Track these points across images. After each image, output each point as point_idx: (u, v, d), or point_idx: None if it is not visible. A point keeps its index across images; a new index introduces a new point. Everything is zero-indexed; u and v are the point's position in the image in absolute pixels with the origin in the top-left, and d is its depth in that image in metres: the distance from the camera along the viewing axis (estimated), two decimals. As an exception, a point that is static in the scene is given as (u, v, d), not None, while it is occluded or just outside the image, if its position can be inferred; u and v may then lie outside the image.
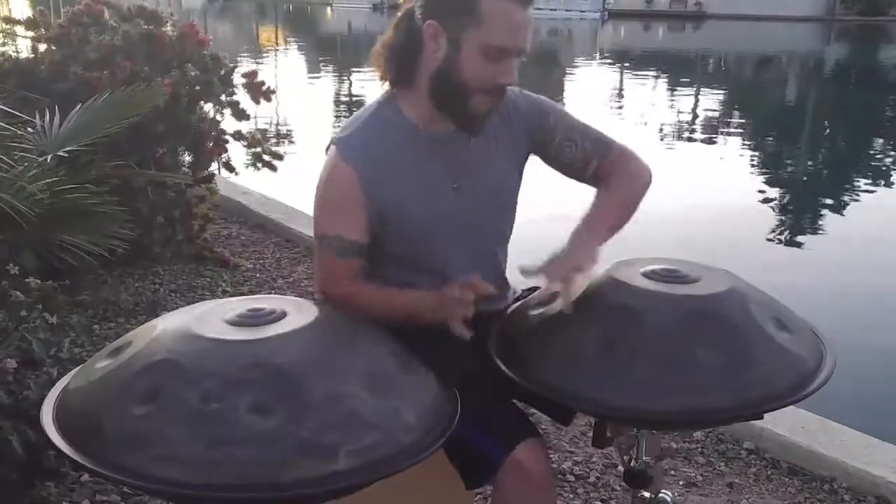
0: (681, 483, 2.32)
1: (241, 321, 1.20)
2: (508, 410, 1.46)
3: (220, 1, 45.83)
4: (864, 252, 5.59)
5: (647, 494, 1.48)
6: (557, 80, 15.76)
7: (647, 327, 1.29)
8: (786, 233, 6.23)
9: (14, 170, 2.15)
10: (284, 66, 17.73)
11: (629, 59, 21.36)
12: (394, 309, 1.47)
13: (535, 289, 1.60)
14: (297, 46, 24.59)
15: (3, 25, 4.31)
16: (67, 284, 2.45)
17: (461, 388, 1.27)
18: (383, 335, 1.31)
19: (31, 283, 2.10)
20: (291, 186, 5.24)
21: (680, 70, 19.63)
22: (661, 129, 10.33)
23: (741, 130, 11.12)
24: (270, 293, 3.52)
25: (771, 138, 10.65)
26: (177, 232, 3.87)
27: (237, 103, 3.83)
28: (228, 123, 3.89)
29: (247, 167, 4.04)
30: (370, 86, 12.16)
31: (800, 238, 6.21)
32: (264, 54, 19.81)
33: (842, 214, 6.83)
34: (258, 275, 3.87)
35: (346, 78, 15.94)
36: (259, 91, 3.83)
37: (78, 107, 2.93)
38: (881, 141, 10.39)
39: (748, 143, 10.11)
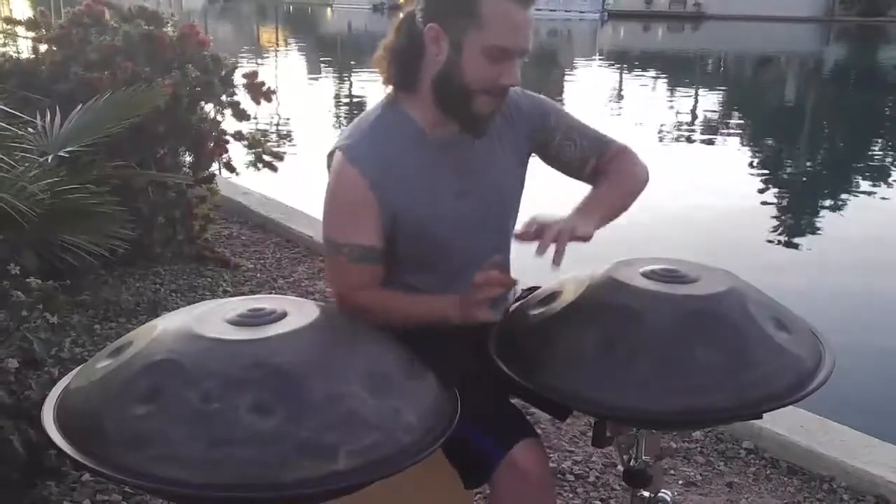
0: (680, 482, 2.32)
1: (242, 321, 1.20)
2: (508, 410, 1.46)
3: (220, 2, 45.85)
4: (863, 252, 5.59)
5: (646, 494, 1.48)
6: (557, 80, 15.77)
7: (646, 327, 1.29)
8: (785, 233, 6.24)
9: (15, 170, 2.16)
10: (285, 67, 17.74)
11: (629, 60, 21.35)
12: (415, 315, 1.46)
13: (534, 289, 1.61)
14: (297, 47, 24.59)
15: (4, 26, 4.32)
16: (68, 284, 2.45)
17: (461, 387, 1.28)
18: (383, 335, 1.32)
19: (32, 283, 2.10)
20: (292, 187, 5.26)
21: (679, 70, 19.63)
22: (660, 130, 10.32)
23: (740, 131, 11.12)
24: (271, 293, 3.52)
25: (770, 139, 10.64)
26: (177, 232, 3.87)
27: (238, 104, 3.84)
28: (229, 124, 3.90)
29: (247, 167, 4.05)
30: (370, 86, 12.17)
31: (799, 238, 6.21)
32: (265, 55, 19.82)
33: (841, 214, 6.83)
34: (259, 275, 3.87)
35: (346, 78, 15.95)
36: (259, 91, 3.84)
37: (79, 107, 2.94)
38: (881, 141, 10.39)
39: (747, 143, 10.12)
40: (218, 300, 1.35)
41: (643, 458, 1.45)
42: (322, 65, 18.56)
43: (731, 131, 11.05)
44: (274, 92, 3.91)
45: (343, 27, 33.17)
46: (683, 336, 1.28)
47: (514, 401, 1.51)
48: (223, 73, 3.79)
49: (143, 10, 3.85)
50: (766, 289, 1.42)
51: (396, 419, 1.13)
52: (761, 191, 7.42)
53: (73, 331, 2.37)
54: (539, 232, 1.34)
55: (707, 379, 1.24)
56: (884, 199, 7.17)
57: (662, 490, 1.49)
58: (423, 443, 1.13)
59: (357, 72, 15.69)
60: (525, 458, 1.36)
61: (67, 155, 2.65)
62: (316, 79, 15.95)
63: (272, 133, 8.82)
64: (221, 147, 3.88)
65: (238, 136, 3.89)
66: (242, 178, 4.48)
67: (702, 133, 10.50)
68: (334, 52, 22.53)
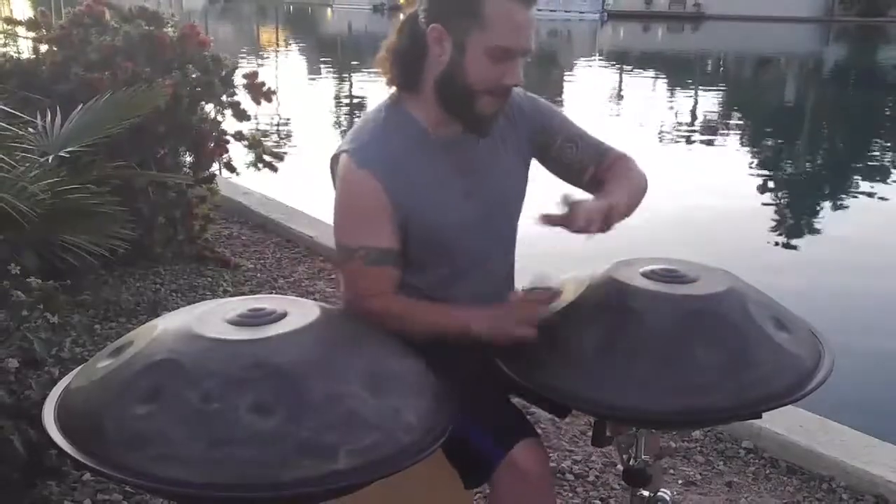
0: (680, 482, 2.33)
1: (242, 321, 1.20)
2: (508, 410, 1.47)
3: (220, 2, 45.85)
4: (863, 252, 5.59)
5: (645, 493, 1.48)
6: (557, 80, 15.77)
7: (646, 327, 1.30)
8: (785, 233, 6.24)
9: (16, 170, 2.16)
10: (285, 67, 17.74)
11: (628, 60, 21.35)
12: (433, 324, 1.43)
13: (534, 289, 1.61)
14: (297, 47, 24.59)
15: (5, 26, 4.32)
16: (69, 284, 2.46)
17: (461, 387, 1.28)
18: (383, 335, 1.32)
19: (32, 283, 2.11)
20: (292, 187, 5.26)
21: (679, 71, 19.63)
22: (660, 130, 10.33)
23: (740, 131, 11.12)
24: (271, 293, 3.53)
25: (770, 139, 10.65)
26: (178, 232, 3.87)
27: (238, 104, 3.84)
28: (229, 124, 3.91)
29: (247, 167, 4.05)
30: (370, 86, 12.18)
31: (799, 238, 6.21)
32: (265, 55, 19.82)
33: (840, 215, 6.84)
34: (259, 275, 3.88)
35: (346, 79, 15.95)
36: (260, 92, 3.84)
37: (79, 107, 2.94)
38: (880, 141, 10.39)
39: (747, 143, 10.12)
40: (218, 300, 1.36)
41: (643, 457, 1.46)
42: (322, 65, 18.56)
43: (731, 132, 11.06)
44: (274, 92, 3.91)
45: (343, 28, 33.16)
46: (683, 336, 1.28)
47: (514, 400, 1.51)
48: (223, 73, 3.79)
49: (144, 10, 3.85)
50: (765, 289, 1.42)
51: (396, 419, 1.13)
52: (761, 191, 7.42)
53: (73, 331, 2.37)
54: (582, 212, 1.35)
55: (707, 379, 1.24)
56: (883, 199, 7.17)
57: (662, 489, 1.49)
58: (423, 443, 1.13)
59: (357, 72, 15.69)
60: (525, 458, 1.36)
61: (68, 155, 2.65)
62: (316, 79, 15.95)
63: (272, 133, 8.82)
64: (222, 147, 3.88)
65: (238, 136, 3.89)
66: (243, 178, 4.48)
67: (702, 133, 10.50)
68: (334, 53, 22.53)
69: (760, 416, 1.35)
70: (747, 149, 9.78)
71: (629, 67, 19.86)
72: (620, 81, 17.29)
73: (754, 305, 1.33)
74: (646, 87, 15.96)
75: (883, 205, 7.03)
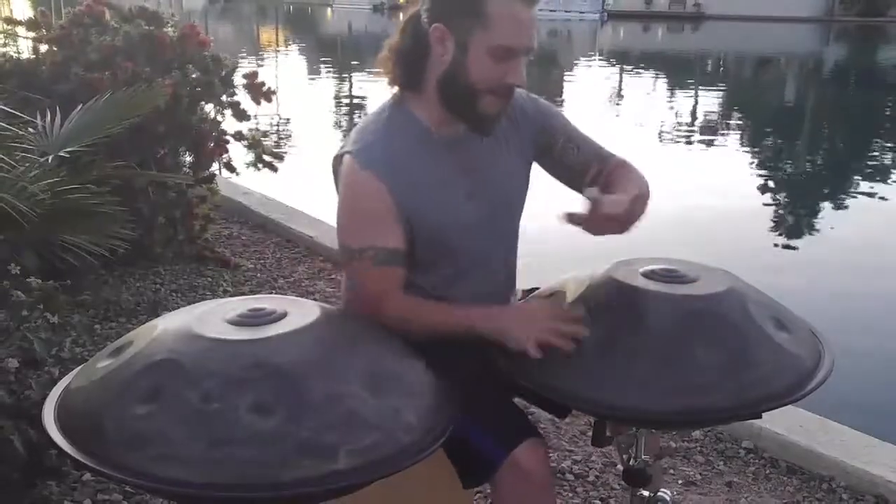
0: (680, 482, 2.33)
1: (242, 321, 1.20)
2: (509, 410, 1.46)
3: (220, 2, 45.86)
4: (863, 252, 5.59)
5: (645, 493, 1.48)
6: (557, 80, 15.77)
7: (646, 327, 1.30)
8: (785, 233, 6.24)
9: (15, 170, 2.16)
10: (285, 67, 17.74)
11: (629, 60, 21.35)
12: (439, 324, 1.43)
13: (534, 289, 1.61)
14: (297, 47, 24.59)
15: (5, 26, 4.32)
16: (69, 284, 2.46)
17: (461, 387, 1.28)
18: (384, 335, 1.32)
19: (32, 283, 2.11)
20: (292, 187, 5.27)
21: (679, 71, 19.63)
22: (660, 130, 10.33)
23: (740, 131, 11.12)
24: (271, 293, 3.53)
25: (770, 139, 10.65)
26: (178, 232, 3.87)
27: (238, 104, 3.84)
28: (229, 124, 3.91)
29: (247, 167, 4.05)
30: (370, 86, 12.19)
31: (799, 238, 6.21)
32: (265, 55, 19.82)
33: (840, 215, 6.83)
34: (259, 275, 3.88)
35: (346, 79, 15.95)
36: (260, 92, 3.84)
37: (79, 107, 2.94)
38: (880, 141, 10.39)
39: (747, 143, 10.12)
40: (218, 300, 1.36)
41: (643, 457, 1.46)
42: (322, 65, 18.56)
43: (731, 132, 11.06)
44: (274, 92, 3.91)
45: (343, 27, 33.17)
46: (683, 336, 1.28)
47: (515, 400, 1.51)
48: (223, 73, 3.79)
49: (144, 10, 3.85)
50: (765, 289, 1.42)
51: (396, 419, 1.13)
52: (761, 191, 7.42)
53: (73, 331, 2.37)
54: (607, 204, 1.35)
55: (707, 379, 1.24)
56: (883, 199, 7.17)
57: (662, 489, 1.49)
58: (423, 443, 1.13)
59: (357, 72, 15.69)
60: (528, 459, 1.36)
61: (68, 155, 2.65)
62: (316, 79, 15.95)
63: (272, 133, 8.82)
64: (221, 147, 3.88)
65: (238, 136, 3.89)
66: (242, 178, 4.48)
67: (702, 133, 10.50)
68: (334, 53, 22.53)
69: (760, 416, 1.35)
70: (747, 149, 9.78)
71: (629, 67, 19.86)
72: (620, 81, 17.28)
73: (754, 305, 1.33)
74: (646, 87, 15.96)
75: (883, 205, 7.02)
